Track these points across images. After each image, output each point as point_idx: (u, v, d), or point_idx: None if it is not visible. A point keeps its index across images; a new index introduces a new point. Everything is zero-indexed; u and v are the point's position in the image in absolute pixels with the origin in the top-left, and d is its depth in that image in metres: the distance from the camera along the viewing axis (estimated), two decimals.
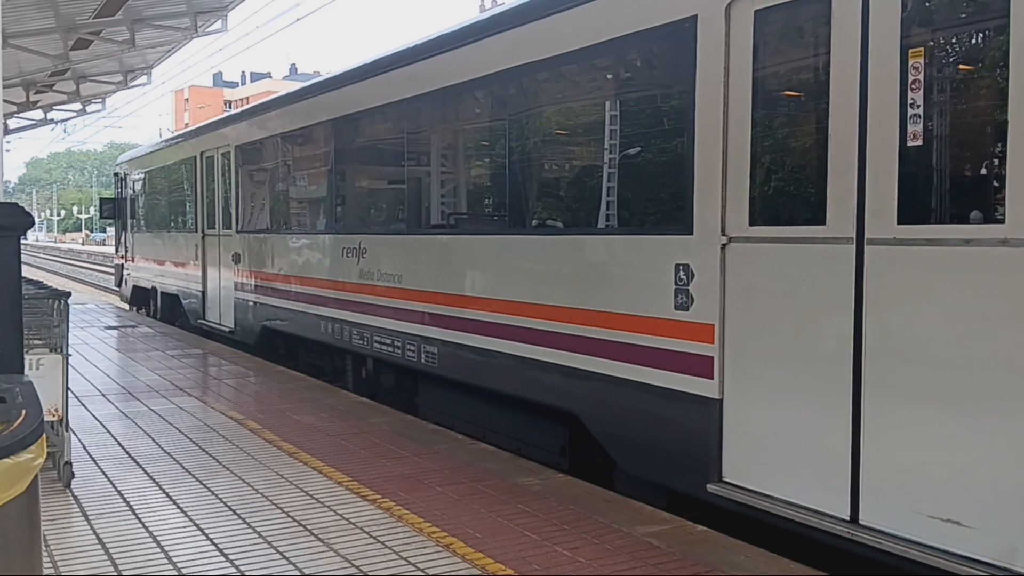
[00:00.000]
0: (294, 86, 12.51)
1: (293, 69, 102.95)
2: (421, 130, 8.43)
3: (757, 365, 4.86)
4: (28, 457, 2.28)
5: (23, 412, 2.34)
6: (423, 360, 8.05)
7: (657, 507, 5.31)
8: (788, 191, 5.01)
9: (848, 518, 4.37)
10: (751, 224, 4.90)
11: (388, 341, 8.63)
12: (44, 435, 2.39)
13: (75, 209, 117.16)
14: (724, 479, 5.05)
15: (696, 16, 5.19)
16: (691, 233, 5.21)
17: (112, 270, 25.36)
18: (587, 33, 6.07)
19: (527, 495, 5.44)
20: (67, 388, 5.74)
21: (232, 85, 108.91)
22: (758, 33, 4.88)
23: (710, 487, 5.04)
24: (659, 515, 5.10)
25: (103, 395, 8.81)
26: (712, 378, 5.06)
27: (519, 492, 5.50)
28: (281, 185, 11.76)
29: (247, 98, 78.99)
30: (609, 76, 6.21)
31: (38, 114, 23.01)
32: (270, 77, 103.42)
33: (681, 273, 5.27)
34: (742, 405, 4.94)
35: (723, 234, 5.01)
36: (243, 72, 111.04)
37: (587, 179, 6.36)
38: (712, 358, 5.07)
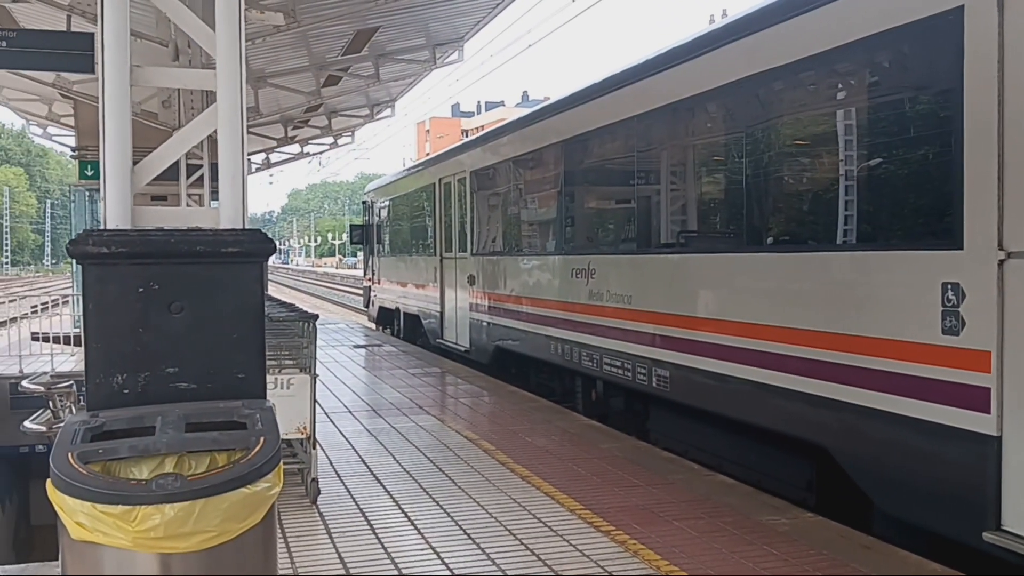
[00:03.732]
0: (526, 112, 12.70)
1: (525, 96, 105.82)
2: (651, 147, 8.20)
3: None
4: (265, 486, 2.27)
5: (261, 439, 2.34)
6: (655, 384, 7.78)
7: (915, 551, 4.73)
8: None
9: None
10: None
11: (618, 363, 8.43)
12: (281, 462, 2.39)
13: (329, 235, 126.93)
14: (1003, 527, 4.41)
15: (963, 7, 4.65)
16: (961, 248, 4.63)
17: (361, 291, 27.02)
18: (835, 34, 5.61)
19: (773, 536, 5.02)
20: (314, 407, 6.00)
21: (469, 115, 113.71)
22: None
23: (987, 536, 4.42)
24: (928, 565, 4.53)
25: (350, 411, 9.24)
26: (989, 412, 4.45)
27: (764, 532, 5.09)
28: (513, 208, 11.93)
29: (482, 126, 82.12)
30: (859, 78, 5.69)
31: (295, 148, 24.99)
32: (503, 105, 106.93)
33: (949, 293, 4.69)
34: None
35: (1001, 248, 4.40)
36: (478, 102, 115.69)
37: (835, 192, 5.85)
38: (988, 389, 4.45)
